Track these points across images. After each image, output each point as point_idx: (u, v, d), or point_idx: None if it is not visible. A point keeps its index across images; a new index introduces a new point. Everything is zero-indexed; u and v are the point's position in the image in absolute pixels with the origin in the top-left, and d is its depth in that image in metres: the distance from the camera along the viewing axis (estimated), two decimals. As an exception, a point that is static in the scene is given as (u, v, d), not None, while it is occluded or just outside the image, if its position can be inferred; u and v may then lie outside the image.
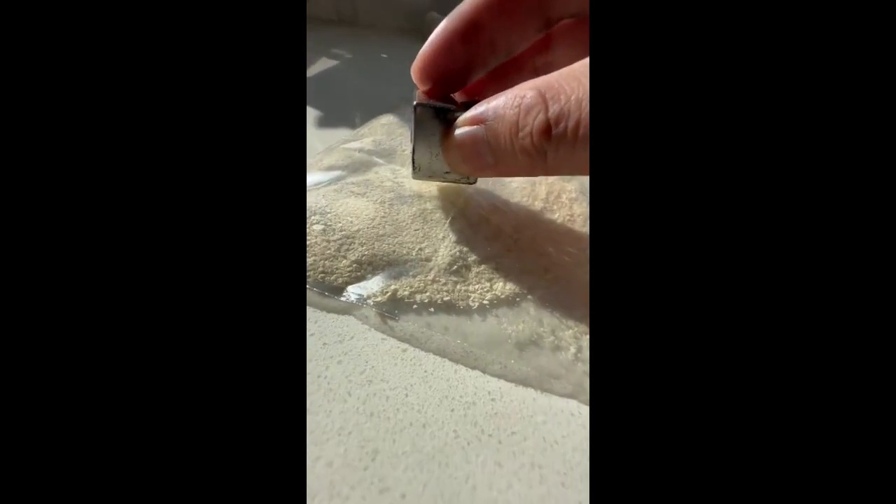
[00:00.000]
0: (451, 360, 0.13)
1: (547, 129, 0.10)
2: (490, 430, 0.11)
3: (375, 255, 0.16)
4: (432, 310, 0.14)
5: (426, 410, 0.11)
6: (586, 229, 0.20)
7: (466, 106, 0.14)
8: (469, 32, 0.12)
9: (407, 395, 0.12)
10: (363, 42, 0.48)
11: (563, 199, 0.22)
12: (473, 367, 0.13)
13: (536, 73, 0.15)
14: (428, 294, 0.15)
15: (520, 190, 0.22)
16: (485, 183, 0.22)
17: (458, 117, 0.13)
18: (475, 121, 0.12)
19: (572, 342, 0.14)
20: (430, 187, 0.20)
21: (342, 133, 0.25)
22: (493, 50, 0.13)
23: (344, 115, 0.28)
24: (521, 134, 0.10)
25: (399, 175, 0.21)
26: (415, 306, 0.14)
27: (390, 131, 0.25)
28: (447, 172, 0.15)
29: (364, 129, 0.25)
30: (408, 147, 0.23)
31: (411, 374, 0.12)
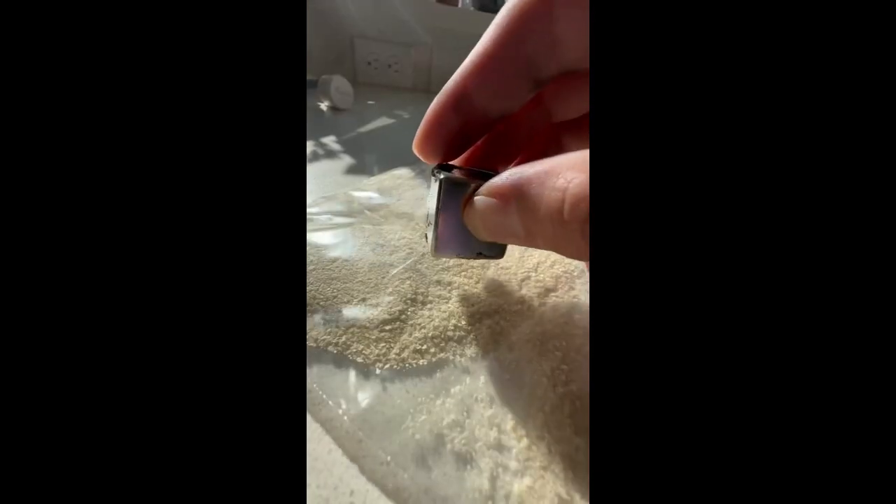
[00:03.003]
0: (332, 436, 0.11)
1: None
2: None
3: (315, 298, 0.15)
4: (339, 365, 0.13)
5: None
6: (574, 316, 0.17)
7: (486, 176, 0.13)
8: (459, 103, 0.12)
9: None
10: (423, 105, 0.53)
11: (556, 270, 0.19)
12: (353, 458, 0.11)
13: (533, 127, 0.15)
14: (341, 345, 0.14)
15: (507, 252, 0.20)
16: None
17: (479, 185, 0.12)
18: (501, 194, 0.11)
19: (488, 457, 0.11)
20: (406, 237, 0.20)
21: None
22: (484, 115, 0.13)
23: (382, 167, 0.30)
24: (567, 223, 0.09)
25: (380, 225, 0.21)
26: (322, 355, 0.13)
27: (397, 184, 0.26)
28: (474, 250, 0.14)
29: (374, 179, 0.26)
30: (419, 208, 0.23)
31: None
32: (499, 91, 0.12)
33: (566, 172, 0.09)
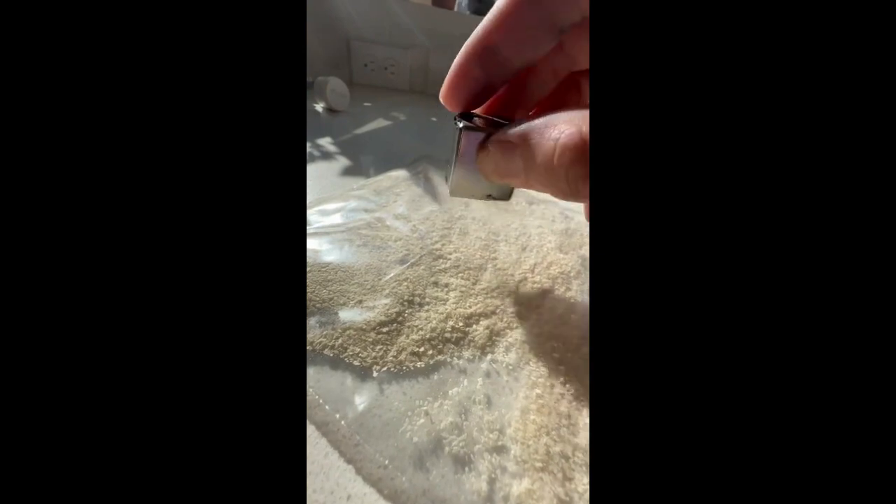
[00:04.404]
0: (329, 440, 0.11)
1: (585, 176, 0.10)
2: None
3: (310, 301, 0.15)
4: (339, 369, 0.13)
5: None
6: (571, 317, 0.17)
7: (500, 125, 0.14)
8: (484, 55, 0.13)
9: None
10: (420, 107, 0.53)
11: (553, 271, 0.20)
12: (350, 462, 0.11)
13: (556, 74, 0.15)
14: (337, 347, 0.13)
15: (504, 254, 0.20)
16: (473, 246, 0.21)
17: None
18: (509, 141, 0.13)
19: (486, 459, 0.11)
20: (403, 238, 0.20)
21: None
22: (509, 67, 0.13)
23: (378, 168, 0.30)
24: (556, 168, 0.11)
25: (376, 227, 0.21)
26: (318, 359, 0.13)
27: (394, 186, 0.26)
28: (484, 192, 0.16)
29: (371, 180, 0.26)
30: (403, 196, 0.23)
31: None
32: (522, 41, 0.13)
33: (561, 125, 0.11)
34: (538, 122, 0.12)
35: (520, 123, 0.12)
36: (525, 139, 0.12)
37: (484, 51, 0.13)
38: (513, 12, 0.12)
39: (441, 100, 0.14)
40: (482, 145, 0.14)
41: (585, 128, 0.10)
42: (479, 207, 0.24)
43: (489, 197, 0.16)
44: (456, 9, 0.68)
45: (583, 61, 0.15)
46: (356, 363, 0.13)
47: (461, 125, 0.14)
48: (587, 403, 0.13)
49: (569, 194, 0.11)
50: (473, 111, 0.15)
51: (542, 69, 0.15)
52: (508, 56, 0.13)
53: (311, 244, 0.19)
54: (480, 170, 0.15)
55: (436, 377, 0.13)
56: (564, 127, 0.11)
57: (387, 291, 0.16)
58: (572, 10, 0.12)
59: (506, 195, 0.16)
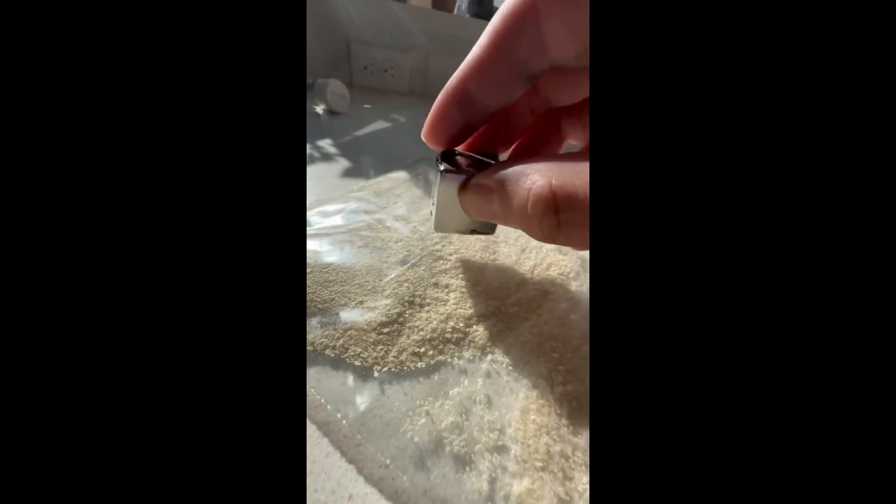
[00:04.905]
0: (330, 440, 0.11)
1: (557, 225, 0.11)
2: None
3: (311, 301, 0.15)
4: (340, 369, 0.13)
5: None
6: (571, 318, 0.17)
7: (483, 162, 0.15)
8: (461, 100, 0.14)
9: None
10: (419, 109, 0.53)
11: (553, 272, 0.20)
12: (350, 460, 0.11)
13: (533, 112, 0.16)
14: (338, 348, 0.14)
15: (504, 255, 0.20)
16: (473, 247, 0.21)
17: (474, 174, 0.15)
18: (487, 186, 0.14)
19: (487, 459, 0.11)
20: (403, 239, 0.20)
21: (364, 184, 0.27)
22: (485, 110, 0.14)
23: (378, 170, 0.30)
24: (530, 216, 0.11)
25: (376, 228, 0.21)
26: (319, 359, 0.13)
27: (394, 187, 0.26)
28: (468, 227, 0.16)
29: (371, 182, 0.26)
30: (401, 201, 0.23)
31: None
32: (495, 88, 0.14)
33: (532, 175, 0.11)
34: (512, 170, 0.12)
35: (498, 169, 0.13)
36: (502, 185, 0.13)
37: (460, 95, 0.14)
38: (484, 62, 0.13)
39: (423, 139, 0.15)
40: (463, 186, 0.15)
41: (555, 180, 0.11)
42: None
43: (473, 232, 0.16)
44: (456, 11, 0.68)
45: (556, 100, 0.16)
46: (357, 363, 0.13)
47: (442, 168, 0.14)
48: (587, 403, 0.13)
49: (545, 240, 0.12)
50: (455, 148, 0.15)
51: (520, 108, 0.16)
52: (483, 101, 0.14)
53: (312, 245, 0.19)
54: (464, 209, 0.15)
55: (436, 377, 0.13)
56: (536, 178, 0.11)
57: (388, 292, 0.16)
58: (541, 60, 0.13)
59: (490, 230, 0.16)
